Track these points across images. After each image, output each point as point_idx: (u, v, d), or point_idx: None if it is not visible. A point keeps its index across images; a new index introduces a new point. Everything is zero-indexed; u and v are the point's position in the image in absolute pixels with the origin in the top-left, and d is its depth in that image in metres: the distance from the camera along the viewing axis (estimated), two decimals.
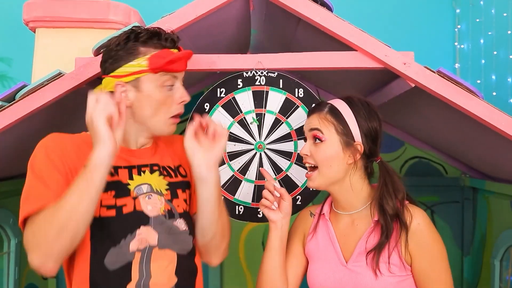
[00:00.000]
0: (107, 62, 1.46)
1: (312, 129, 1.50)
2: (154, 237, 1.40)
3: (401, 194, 1.49)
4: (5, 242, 2.38)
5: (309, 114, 1.55)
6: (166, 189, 1.49)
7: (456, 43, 3.33)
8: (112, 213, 1.39)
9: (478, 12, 3.14)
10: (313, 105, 1.58)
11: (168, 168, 1.54)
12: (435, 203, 2.85)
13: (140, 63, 1.41)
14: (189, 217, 1.51)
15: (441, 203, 2.84)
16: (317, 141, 1.48)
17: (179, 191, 1.52)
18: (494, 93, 3.02)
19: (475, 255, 2.73)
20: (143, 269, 1.41)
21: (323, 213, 1.59)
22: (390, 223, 1.45)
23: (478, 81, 3.12)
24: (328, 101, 1.55)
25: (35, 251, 1.29)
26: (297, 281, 1.62)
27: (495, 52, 3.03)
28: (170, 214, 1.46)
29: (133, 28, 1.47)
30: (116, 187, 1.41)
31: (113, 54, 1.44)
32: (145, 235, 1.41)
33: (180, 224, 1.46)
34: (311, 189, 1.71)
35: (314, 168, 1.51)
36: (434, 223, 2.78)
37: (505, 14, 2.94)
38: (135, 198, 1.43)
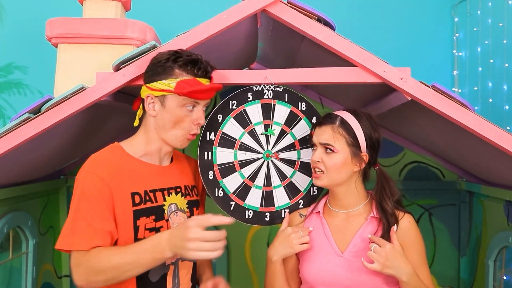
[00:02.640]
0: (148, 73, 1.64)
1: (323, 144, 1.65)
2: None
3: (396, 197, 1.68)
4: (23, 243, 2.49)
5: (320, 125, 1.68)
6: (187, 207, 1.72)
7: (454, 51, 3.40)
8: (153, 234, 1.54)
9: (475, 21, 3.21)
10: (322, 116, 1.73)
11: (187, 188, 1.75)
12: (433, 205, 2.94)
13: (170, 83, 1.57)
14: None
15: (439, 205, 2.94)
16: (329, 151, 1.64)
17: (194, 209, 1.76)
18: (490, 100, 3.07)
19: (471, 256, 2.82)
20: (175, 279, 1.65)
21: (318, 211, 1.74)
22: (391, 220, 1.62)
23: (475, 88, 3.18)
24: (336, 113, 1.69)
25: (80, 280, 1.49)
26: (298, 281, 1.77)
27: (491, 60, 3.10)
28: None
29: (179, 50, 1.64)
30: (156, 211, 1.61)
31: (154, 68, 1.62)
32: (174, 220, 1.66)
33: None
34: (311, 193, 1.84)
35: (322, 172, 1.66)
36: (432, 225, 2.95)
37: (501, 24, 3.00)
38: (167, 220, 1.63)
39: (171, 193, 1.68)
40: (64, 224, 1.57)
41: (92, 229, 1.50)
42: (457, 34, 3.42)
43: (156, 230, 1.60)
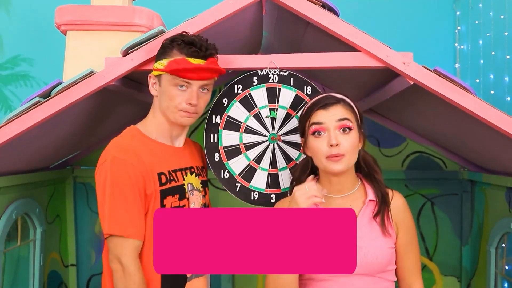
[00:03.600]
0: (157, 54, 1.70)
1: (341, 119, 1.57)
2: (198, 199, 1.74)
3: (379, 175, 1.67)
4: (31, 230, 2.52)
5: (325, 107, 1.59)
6: (201, 187, 1.78)
7: (456, 44, 3.43)
8: None
9: (477, 14, 3.24)
10: (321, 98, 1.63)
11: (199, 168, 1.82)
12: (435, 195, 2.97)
13: (164, 63, 1.62)
14: None
15: (441, 195, 2.96)
16: (347, 130, 1.57)
17: (206, 189, 1.83)
18: (492, 92, 3.11)
19: (473, 245, 2.84)
20: None
21: None
22: (388, 201, 1.63)
23: (477, 80, 3.21)
24: (332, 95, 1.64)
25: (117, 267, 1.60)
26: None
27: (493, 53, 3.13)
28: (205, 207, 1.79)
29: (183, 32, 1.69)
30: (179, 190, 1.68)
31: (159, 50, 1.68)
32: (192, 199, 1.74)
33: None
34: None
35: (343, 155, 1.58)
36: (434, 215, 2.97)
37: (502, 17, 3.04)
38: (188, 199, 1.70)
39: (187, 173, 1.73)
40: (100, 210, 1.63)
41: (129, 218, 1.58)
42: (459, 28, 3.44)
43: (180, 208, 1.68)
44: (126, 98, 2.21)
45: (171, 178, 1.67)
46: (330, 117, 1.58)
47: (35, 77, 3.37)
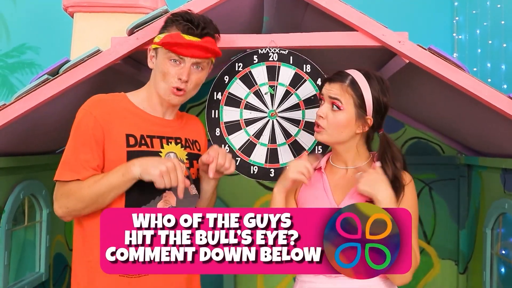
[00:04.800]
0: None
1: (332, 98, 1.65)
2: (174, 199, 1.66)
3: (399, 163, 1.67)
4: (37, 212, 2.59)
5: (331, 81, 1.67)
6: (186, 158, 1.76)
7: (454, 34, 3.48)
8: None
9: (474, 4, 3.30)
10: (335, 72, 1.71)
11: (188, 141, 1.79)
12: (432, 180, 3.03)
13: (160, 37, 1.67)
14: (199, 184, 1.78)
15: (438, 180, 3.02)
16: (335, 108, 1.64)
17: (195, 162, 1.79)
18: (489, 80, 3.15)
19: (470, 228, 2.90)
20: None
21: (320, 167, 1.76)
22: (397, 176, 1.65)
23: (475, 69, 3.25)
24: (348, 72, 1.68)
25: (61, 208, 1.63)
26: None
27: (490, 42, 3.18)
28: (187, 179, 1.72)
29: (187, 10, 1.73)
30: (151, 155, 1.65)
31: (163, 25, 1.72)
32: (168, 197, 1.67)
33: (192, 189, 1.72)
34: (316, 152, 1.93)
35: (323, 128, 1.67)
36: (432, 199, 3.02)
37: (499, 6, 3.09)
38: None
39: (171, 142, 1.73)
40: None
41: (78, 162, 1.60)
42: (457, 18, 3.49)
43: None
44: (129, 79, 2.26)
45: (142, 142, 1.66)
46: (328, 91, 1.66)
47: (41, 65, 3.43)
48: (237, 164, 1.92)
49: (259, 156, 1.93)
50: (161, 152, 1.68)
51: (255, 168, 1.93)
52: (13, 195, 2.27)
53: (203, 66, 1.71)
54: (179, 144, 1.75)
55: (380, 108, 1.67)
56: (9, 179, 2.26)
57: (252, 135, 1.94)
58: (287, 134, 1.94)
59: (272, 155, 1.93)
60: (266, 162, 1.94)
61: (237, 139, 1.93)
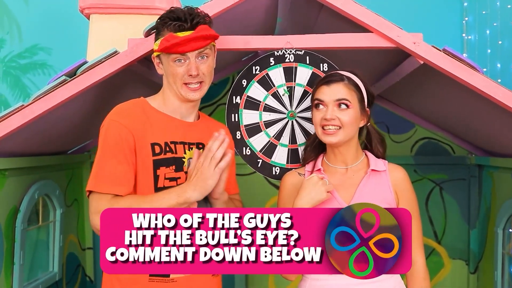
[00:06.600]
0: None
1: (340, 99, 1.67)
2: (195, 203, 1.65)
3: (384, 148, 1.79)
4: (51, 212, 2.61)
5: (328, 83, 1.70)
6: None
7: (464, 34, 3.50)
8: (173, 184, 1.64)
9: (484, 4, 3.31)
10: (327, 75, 1.74)
11: None
12: (443, 180, 3.04)
13: (158, 43, 1.69)
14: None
15: (449, 180, 3.03)
16: (343, 107, 1.67)
17: None
18: (499, 80, 3.15)
19: (480, 228, 2.91)
20: None
21: (318, 169, 1.77)
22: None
23: (484, 69, 3.25)
24: (340, 72, 1.73)
25: (97, 222, 1.53)
26: None
27: (500, 42, 3.20)
28: None
29: (171, 8, 1.71)
30: (175, 162, 1.68)
31: (156, 31, 1.72)
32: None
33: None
34: None
35: (338, 128, 1.69)
36: (442, 199, 3.03)
37: (509, 6, 3.10)
38: (186, 172, 1.68)
39: (192, 148, 1.73)
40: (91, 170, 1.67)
41: (114, 176, 1.60)
42: (466, 18, 3.51)
43: (176, 179, 1.68)
44: (142, 78, 2.27)
45: (167, 149, 1.68)
46: (330, 95, 1.68)
47: (53, 65, 3.48)
48: (259, 166, 1.94)
49: (280, 157, 1.95)
50: (184, 157, 1.70)
51: (277, 169, 1.95)
52: (28, 195, 2.29)
53: (208, 53, 1.71)
54: (201, 150, 1.74)
55: (372, 99, 1.75)
56: (25, 179, 2.28)
57: (273, 137, 1.95)
58: (307, 134, 1.95)
59: (293, 156, 1.94)
60: (287, 162, 1.95)
61: (258, 141, 1.94)
